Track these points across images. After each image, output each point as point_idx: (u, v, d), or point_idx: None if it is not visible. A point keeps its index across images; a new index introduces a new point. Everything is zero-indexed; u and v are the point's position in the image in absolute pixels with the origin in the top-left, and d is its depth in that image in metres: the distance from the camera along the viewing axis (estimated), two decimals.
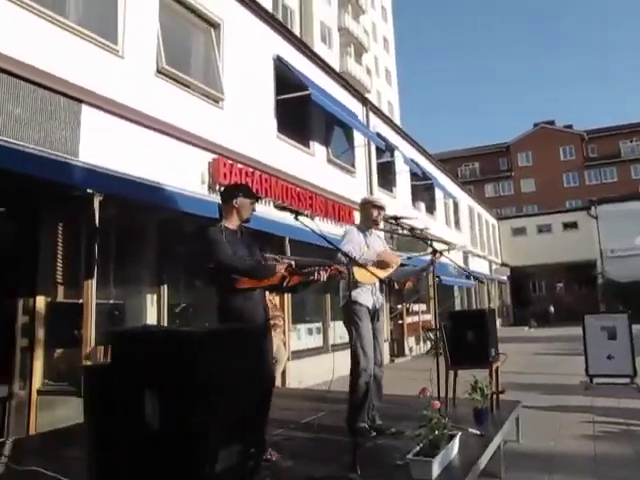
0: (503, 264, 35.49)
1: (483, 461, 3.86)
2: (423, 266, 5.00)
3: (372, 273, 4.07)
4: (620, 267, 32.00)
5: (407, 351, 16.22)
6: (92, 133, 6.51)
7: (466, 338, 5.49)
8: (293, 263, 3.71)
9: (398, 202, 17.35)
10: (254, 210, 3.96)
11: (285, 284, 3.75)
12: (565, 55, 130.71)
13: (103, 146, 6.56)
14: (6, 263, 5.94)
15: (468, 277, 23.65)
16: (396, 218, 5.05)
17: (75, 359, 6.27)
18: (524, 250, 36.00)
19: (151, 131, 7.39)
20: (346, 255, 3.76)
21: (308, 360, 10.27)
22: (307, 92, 10.41)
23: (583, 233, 34.80)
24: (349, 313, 4.53)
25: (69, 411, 5.90)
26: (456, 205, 25.60)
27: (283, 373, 9.22)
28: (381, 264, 4.57)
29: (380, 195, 15.34)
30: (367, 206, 4.84)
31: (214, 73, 8.93)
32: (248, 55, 9.85)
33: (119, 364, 1.85)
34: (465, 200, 28.07)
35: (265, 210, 7.65)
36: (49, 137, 5.95)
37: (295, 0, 28.37)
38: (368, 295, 4.62)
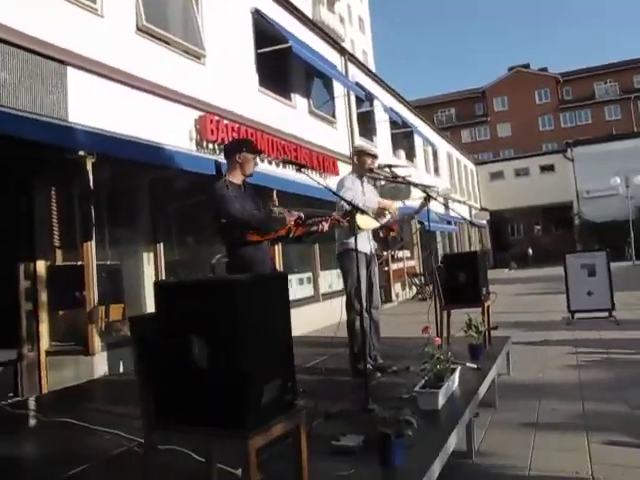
0: (482, 209, 36.00)
1: (481, 392, 4.16)
2: (415, 209, 5.16)
3: (376, 219, 4.25)
4: (595, 207, 32.76)
5: (394, 297, 16.66)
6: (78, 95, 6.47)
7: (458, 279, 5.74)
8: (302, 215, 3.86)
9: (379, 150, 17.40)
10: (256, 164, 4.08)
11: (291, 235, 3.93)
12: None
13: (90, 108, 6.53)
14: (3, 230, 6.01)
15: (449, 222, 24.14)
16: (390, 166, 5.19)
17: (78, 319, 6.44)
18: (502, 194, 36.49)
19: (136, 90, 7.35)
20: (350, 203, 3.91)
21: (299, 310, 10.53)
22: (287, 45, 10.33)
23: (560, 175, 35.35)
24: (347, 260, 4.70)
25: (78, 369, 6.13)
26: (435, 152, 25.73)
27: None
28: (381, 211, 4.76)
29: (360, 144, 15.42)
30: (361, 154, 4.99)
31: (194, 29, 8.82)
32: (226, 9, 9.70)
33: (166, 312, 2.02)
34: (444, 147, 28.23)
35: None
36: (38, 101, 5.92)
37: None
38: (365, 242, 4.79)
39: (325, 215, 4.09)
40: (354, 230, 4.03)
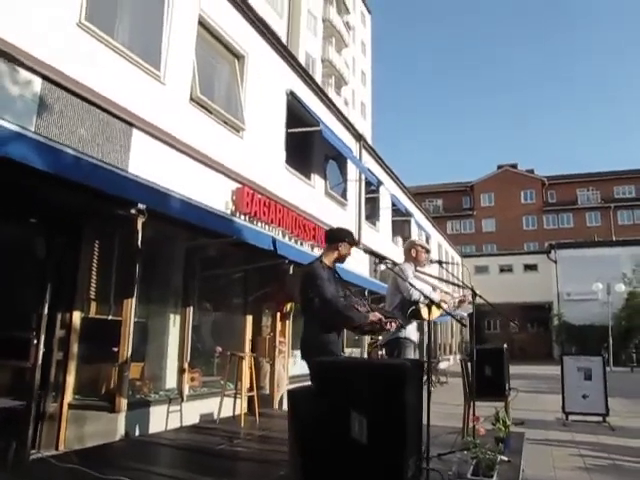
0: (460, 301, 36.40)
1: None
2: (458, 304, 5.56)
3: (445, 310, 4.58)
4: (574, 310, 33.58)
5: None
6: (139, 155, 6.85)
7: (485, 372, 6.01)
8: (382, 318, 4.16)
9: (381, 236, 18.02)
10: (350, 255, 4.45)
11: (363, 329, 4.26)
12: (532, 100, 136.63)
13: (146, 168, 6.87)
14: (48, 275, 6.15)
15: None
16: (440, 262, 5.61)
17: (107, 375, 6.50)
18: (484, 288, 36.86)
19: (184, 156, 7.75)
20: (428, 298, 4.27)
21: (303, 384, 10.60)
22: (317, 128, 10.96)
23: (542, 275, 36.38)
24: (399, 348, 5.00)
25: (99, 426, 6.11)
26: (427, 241, 26.49)
27: (281, 397, 9.53)
28: (440, 303, 5.12)
29: (365, 228, 15.98)
30: (419, 249, 5.38)
31: (237, 104, 9.38)
32: (265, 88, 10.35)
33: (325, 389, 2.26)
34: (435, 237, 29.06)
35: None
36: (105, 158, 6.26)
37: (283, 30, 29.23)
38: (415, 331, 5.14)
39: (393, 317, 4.44)
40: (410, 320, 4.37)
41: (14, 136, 4.58)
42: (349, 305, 4.17)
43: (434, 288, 5.50)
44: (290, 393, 2.35)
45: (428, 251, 5.43)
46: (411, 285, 4.65)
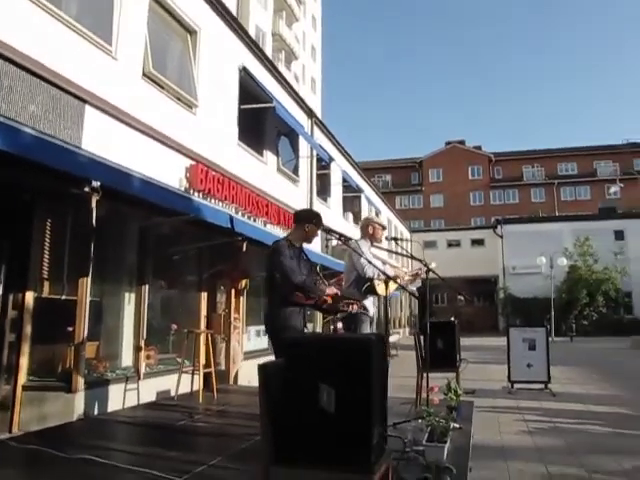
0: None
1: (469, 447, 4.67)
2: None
3: (401, 285, 4.79)
4: (519, 283, 34.94)
5: None
6: (91, 133, 6.73)
7: (437, 345, 6.31)
8: (339, 293, 4.35)
9: (332, 212, 18.22)
10: (316, 236, 4.60)
11: (324, 307, 4.44)
12: (481, 80, 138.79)
13: (100, 145, 6.76)
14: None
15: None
16: (395, 239, 5.80)
17: (62, 355, 6.47)
18: (419, 253, 38.16)
19: (138, 133, 7.67)
20: (385, 274, 4.45)
21: (256, 361, 10.75)
22: (271, 105, 10.95)
23: (488, 250, 37.60)
24: (353, 322, 5.19)
25: (56, 407, 6.07)
26: (377, 216, 26.91)
27: (236, 372, 9.65)
28: (395, 278, 5.32)
29: (316, 204, 16.12)
30: (376, 226, 5.55)
31: (189, 80, 9.28)
32: (218, 64, 10.26)
33: (296, 363, 2.40)
34: (385, 212, 29.52)
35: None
36: (58, 135, 6.13)
37: (233, 2, 28.68)
38: (372, 305, 5.34)
39: (354, 298, 4.65)
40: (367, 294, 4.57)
41: None
42: (311, 283, 4.33)
43: (384, 262, 5.72)
44: (261, 367, 2.47)
45: (384, 228, 5.62)
46: (368, 262, 4.83)
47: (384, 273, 4.54)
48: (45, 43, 6.17)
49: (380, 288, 4.95)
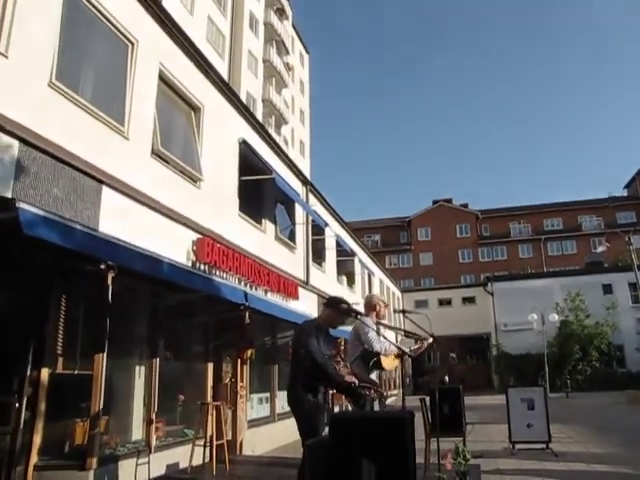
0: (406, 335, 37.36)
1: None
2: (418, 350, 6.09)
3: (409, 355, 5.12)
4: (511, 340, 34.97)
5: None
6: (108, 211, 7.09)
7: (444, 410, 6.52)
8: (357, 382, 4.73)
9: (327, 276, 18.53)
10: (342, 322, 4.96)
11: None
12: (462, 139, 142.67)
13: (115, 223, 7.09)
14: (18, 333, 6.22)
15: None
16: (404, 312, 6.14)
17: (76, 431, 6.55)
18: (425, 321, 38.16)
19: (147, 209, 8.01)
20: (399, 347, 4.79)
21: (259, 429, 10.81)
22: (270, 176, 11.44)
23: (480, 307, 37.82)
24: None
25: None
26: (370, 278, 27.25)
27: (241, 442, 9.68)
28: (399, 355, 5.66)
29: (312, 269, 16.45)
30: (380, 304, 5.90)
31: (194, 154, 9.74)
32: (220, 138, 10.76)
33: (340, 441, 2.65)
34: (377, 273, 29.88)
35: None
36: (77, 216, 6.47)
37: (224, 71, 29.87)
38: (376, 379, 5.67)
39: (373, 384, 4.97)
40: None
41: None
42: (334, 370, 4.66)
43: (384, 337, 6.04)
44: (308, 447, 2.73)
45: (387, 305, 5.97)
46: (383, 336, 5.18)
47: (398, 347, 4.87)
48: (65, 127, 6.58)
49: (386, 362, 5.30)
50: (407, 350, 5.89)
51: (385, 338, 5.76)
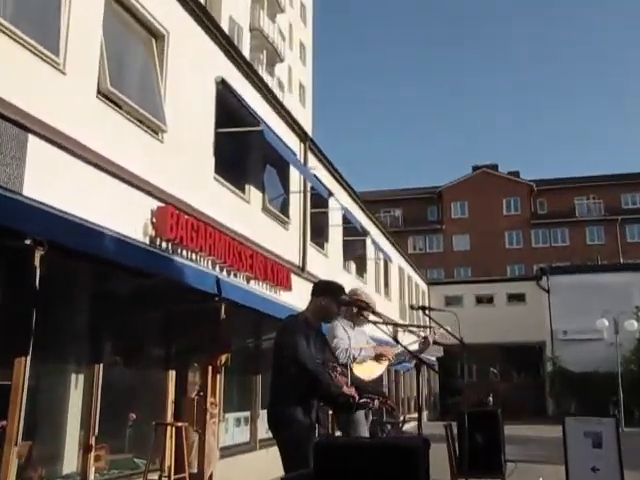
0: (434, 342, 37.32)
1: None
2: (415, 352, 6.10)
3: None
4: (573, 353, 34.48)
5: None
6: (35, 170, 6.98)
7: (477, 442, 6.47)
8: (357, 396, 4.69)
9: (330, 261, 18.45)
10: (339, 315, 4.86)
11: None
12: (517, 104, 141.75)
13: (44, 188, 6.99)
14: None
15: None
16: (424, 308, 6.08)
17: None
18: (452, 321, 38.04)
19: (93, 168, 7.93)
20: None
21: (235, 459, 10.81)
22: (257, 128, 11.32)
23: (530, 308, 37.57)
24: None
25: None
26: (386, 264, 27.09)
27: (210, 475, 9.58)
28: (378, 357, 5.71)
29: (311, 252, 16.38)
30: (359, 303, 5.81)
31: (155, 98, 9.61)
32: (190, 77, 10.64)
33: (326, 476, 2.59)
34: (396, 259, 29.73)
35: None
36: None
37: None
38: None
39: (379, 393, 4.94)
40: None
41: None
42: (328, 378, 4.59)
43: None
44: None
45: (372, 308, 5.85)
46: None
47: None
48: None
49: (360, 371, 5.32)
50: (397, 352, 5.88)
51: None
